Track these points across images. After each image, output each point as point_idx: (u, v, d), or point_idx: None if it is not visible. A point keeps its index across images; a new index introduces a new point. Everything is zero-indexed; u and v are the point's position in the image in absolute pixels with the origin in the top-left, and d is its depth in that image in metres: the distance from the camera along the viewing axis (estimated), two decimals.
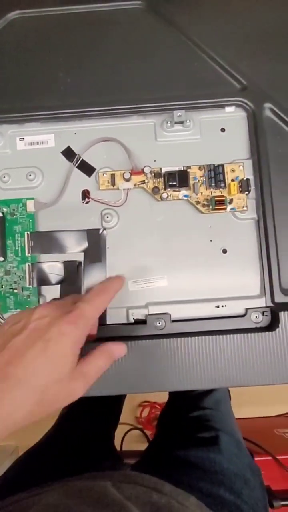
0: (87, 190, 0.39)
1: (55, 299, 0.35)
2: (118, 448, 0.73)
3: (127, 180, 0.37)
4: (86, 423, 0.63)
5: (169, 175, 0.37)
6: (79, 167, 0.39)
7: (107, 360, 0.30)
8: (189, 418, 0.56)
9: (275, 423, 0.93)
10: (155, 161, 0.39)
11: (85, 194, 0.39)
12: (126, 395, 0.78)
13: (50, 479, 0.37)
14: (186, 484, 0.42)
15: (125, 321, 0.38)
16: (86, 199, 0.38)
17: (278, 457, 0.81)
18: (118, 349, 0.31)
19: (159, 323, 0.37)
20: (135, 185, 0.38)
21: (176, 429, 0.56)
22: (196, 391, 0.62)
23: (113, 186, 0.38)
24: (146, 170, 0.37)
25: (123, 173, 0.37)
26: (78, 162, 0.39)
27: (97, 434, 0.62)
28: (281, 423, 0.93)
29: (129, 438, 0.97)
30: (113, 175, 0.38)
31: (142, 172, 0.37)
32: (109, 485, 0.32)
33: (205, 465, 0.46)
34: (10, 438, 1.01)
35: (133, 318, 0.37)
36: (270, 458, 0.81)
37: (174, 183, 0.37)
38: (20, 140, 0.40)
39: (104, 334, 0.37)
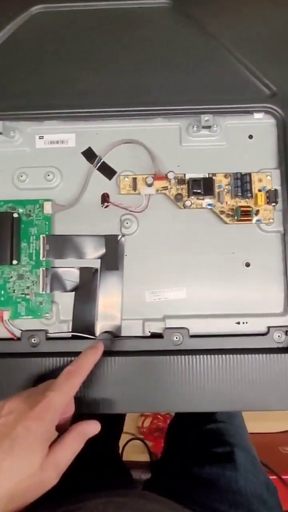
0: (106, 193, 0.37)
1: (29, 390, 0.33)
2: None
3: (150, 185, 0.35)
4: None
5: (194, 182, 0.35)
6: (99, 169, 0.37)
7: (80, 442, 0.29)
8: (203, 431, 0.54)
9: (280, 440, 0.90)
10: (178, 166, 0.37)
11: (105, 198, 0.37)
12: None
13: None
14: (202, 504, 0.41)
15: (140, 334, 0.36)
16: (106, 203, 0.37)
17: (283, 477, 0.79)
18: (91, 428, 0.30)
19: (177, 337, 0.35)
20: (157, 190, 0.36)
21: (189, 442, 0.54)
22: None
23: (134, 191, 0.36)
24: (170, 175, 0.35)
25: (146, 178, 0.35)
26: (98, 164, 0.37)
27: (103, 444, 0.60)
28: (286, 440, 0.90)
29: (129, 448, 0.94)
30: (134, 179, 0.36)
31: (165, 177, 0.35)
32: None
33: (221, 483, 0.44)
34: None
35: (149, 331, 0.35)
36: (275, 477, 0.78)
37: (199, 190, 0.35)
38: (39, 138, 0.38)
39: (118, 347, 0.35)
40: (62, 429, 0.30)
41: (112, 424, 0.70)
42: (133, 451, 0.98)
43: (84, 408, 0.33)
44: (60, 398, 0.28)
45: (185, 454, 0.53)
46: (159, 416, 0.96)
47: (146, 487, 0.51)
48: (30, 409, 0.27)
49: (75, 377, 0.30)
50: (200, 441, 0.55)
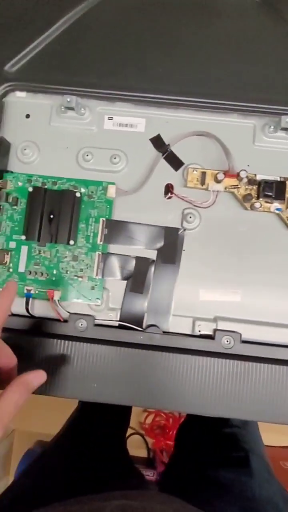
0: (171, 184, 0.36)
1: None
2: None
3: (219, 181, 0.34)
4: (99, 428, 0.60)
5: (266, 184, 0.34)
6: (166, 158, 0.36)
7: (24, 393, 0.27)
8: (219, 435, 0.53)
9: (282, 454, 0.89)
10: (248, 165, 0.36)
11: (169, 189, 0.36)
12: None
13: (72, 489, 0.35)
14: (218, 507, 0.40)
15: (189, 332, 0.35)
16: (169, 194, 0.36)
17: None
18: (36, 377, 0.28)
19: (227, 341, 0.34)
20: (225, 188, 0.35)
21: (204, 444, 0.54)
22: None
23: (202, 185, 0.35)
24: (243, 174, 0.34)
25: (217, 174, 0.34)
26: (166, 153, 0.36)
27: (111, 441, 0.59)
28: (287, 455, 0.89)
29: (129, 442, 0.94)
30: (204, 174, 0.35)
31: (236, 175, 0.34)
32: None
33: (236, 488, 0.43)
34: None
35: (199, 331, 0.34)
36: None
37: (270, 193, 0.34)
38: (108, 119, 0.37)
39: (165, 343, 0.34)
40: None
41: (123, 419, 0.69)
42: (131, 446, 0.97)
43: (124, 399, 0.33)
44: None
45: (199, 456, 0.53)
46: (161, 414, 0.95)
47: (161, 488, 0.50)
48: None
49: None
50: (215, 445, 0.54)
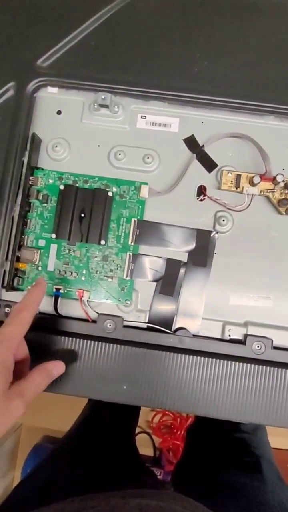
0: (204, 186, 0.35)
1: None
2: None
3: (255, 184, 0.34)
4: (112, 425, 0.60)
5: None
6: (200, 159, 0.36)
7: (45, 378, 0.30)
8: (230, 439, 0.53)
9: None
10: (283, 169, 0.35)
11: (202, 191, 0.35)
12: None
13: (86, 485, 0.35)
14: (231, 510, 0.40)
15: (219, 336, 0.34)
16: (202, 196, 0.35)
17: None
18: (56, 367, 0.31)
19: (258, 346, 0.33)
20: (260, 192, 0.34)
21: (216, 447, 0.53)
22: None
23: (236, 188, 0.34)
24: (279, 178, 0.33)
25: (253, 177, 0.33)
26: (200, 154, 0.35)
27: (122, 439, 0.59)
28: None
29: (136, 441, 0.94)
30: (239, 176, 0.34)
31: (273, 179, 0.33)
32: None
33: (249, 493, 0.44)
34: None
35: (229, 335, 0.34)
36: None
37: None
38: (141, 117, 0.36)
39: (195, 346, 0.33)
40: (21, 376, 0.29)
41: (132, 417, 0.69)
42: (138, 444, 0.97)
43: (155, 402, 0.32)
44: (12, 329, 0.29)
45: (211, 458, 0.53)
46: (169, 414, 0.95)
47: (175, 489, 0.50)
48: None
49: (24, 311, 0.30)
50: (226, 448, 0.54)
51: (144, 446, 0.97)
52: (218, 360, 0.33)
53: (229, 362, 0.33)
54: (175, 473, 0.56)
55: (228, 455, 0.51)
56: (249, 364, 0.33)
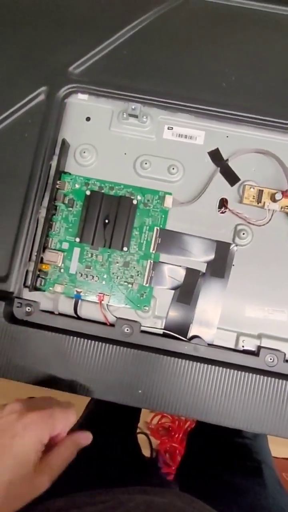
0: (226, 199, 0.36)
1: (30, 398, 0.34)
2: None
3: (276, 200, 0.35)
4: (116, 423, 0.61)
5: None
6: (223, 173, 0.36)
7: (73, 452, 0.31)
8: (234, 444, 0.54)
9: (285, 466, 0.90)
10: None
11: (223, 203, 0.36)
12: None
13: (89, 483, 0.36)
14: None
15: (232, 347, 0.35)
16: (223, 209, 0.36)
17: None
18: (84, 438, 0.32)
19: (271, 359, 0.34)
20: (281, 208, 0.35)
21: (218, 450, 0.54)
22: None
23: (258, 203, 0.35)
24: None
25: (274, 193, 0.34)
26: (223, 168, 0.36)
27: (125, 437, 0.60)
28: None
29: None
30: (261, 192, 0.35)
31: None
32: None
33: (251, 497, 0.45)
34: None
35: (243, 346, 0.35)
36: None
37: None
38: (168, 128, 0.37)
39: (208, 355, 0.34)
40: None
41: (134, 415, 0.70)
42: None
43: (166, 407, 0.33)
44: (62, 415, 0.30)
45: (213, 461, 0.54)
46: (168, 416, 0.96)
47: (180, 488, 0.51)
48: (31, 411, 0.29)
49: (74, 412, 0.31)
50: (229, 452, 0.55)
51: (141, 447, 0.98)
52: (231, 370, 0.34)
53: (242, 372, 0.33)
54: (177, 474, 0.57)
55: (230, 459, 0.52)
56: (261, 376, 0.33)
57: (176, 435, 0.94)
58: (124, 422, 0.64)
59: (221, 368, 0.34)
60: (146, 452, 1.02)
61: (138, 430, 0.96)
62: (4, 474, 0.26)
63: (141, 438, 1.02)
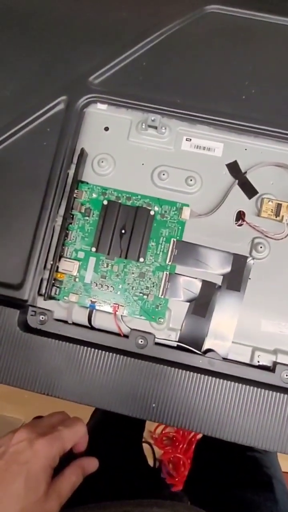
0: (243, 212, 0.36)
1: (37, 417, 0.35)
2: None
3: None
4: (122, 432, 0.60)
5: None
6: (241, 185, 0.36)
7: (80, 477, 0.31)
8: (244, 457, 0.53)
9: None
10: None
11: (241, 216, 0.36)
12: None
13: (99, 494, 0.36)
14: None
15: (247, 361, 0.35)
16: (240, 221, 0.36)
17: None
18: (90, 464, 0.32)
19: (287, 375, 0.34)
20: None
21: (228, 464, 0.54)
22: None
23: (276, 217, 0.35)
24: None
25: None
26: (242, 180, 0.36)
27: (131, 447, 0.59)
28: None
29: None
30: (279, 205, 0.35)
31: None
32: None
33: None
34: (17, 412, 1.00)
35: (258, 361, 0.34)
36: None
37: None
38: (186, 140, 0.37)
39: (223, 369, 0.34)
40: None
41: (140, 425, 0.69)
42: None
43: (180, 423, 0.33)
44: (70, 434, 0.31)
45: (224, 474, 0.53)
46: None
47: (190, 501, 0.51)
48: (40, 437, 0.29)
49: (83, 425, 0.32)
50: (239, 466, 0.54)
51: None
52: (246, 385, 0.33)
53: (257, 388, 0.33)
54: (186, 487, 0.56)
55: (241, 473, 0.51)
56: (277, 393, 0.33)
57: (180, 446, 0.93)
58: (130, 431, 0.63)
59: (236, 383, 0.33)
60: (149, 462, 1.01)
61: (142, 438, 0.95)
62: (17, 502, 0.27)
63: (144, 448, 1.01)
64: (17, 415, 1.01)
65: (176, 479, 0.90)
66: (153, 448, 0.96)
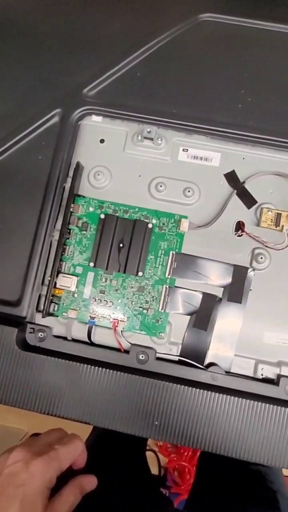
0: (242, 222, 0.35)
1: (34, 434, 0.34)
2: None
3: None
4: (125, 443, 0.59)
5: None
6: (239, 195, 0.36)
7: (78, 496, 0.30)
8: (248, 471, 0.53)
9: None
10: None
11: (240, 226, 0.35)
12: None
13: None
14: None
15: (251, 374, 0.34)
16: (240, 232, 0.35)
17: None
18: (89, 482, 0.31)
19: None
20: None
21: (231, 478, 0.53)
22: None
23: (276, 227, 0.34)
24: None
25: None
26: (240, 190, 0.36)
27: (135, 459, 0.58)
28: None
29: None
30: (279, 215, 0.34)
31: None
32: None
33: None
34: (20, 423, 0.99)
35: (262, 374, 0.34)
36: None
37: None
38: (183, 150, 0.37)
39: (225, 383, 0.33)
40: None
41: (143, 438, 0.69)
42: None
43: (183, 440, 0.32)
44: (66, 454, 0.29)
45: (228, 489, 0.52)
46: None
47: None
48: (36, 456, 0.28)
49: (81, 442, 0.31)
50: (243, 480, 0.53)
51: (149, 464, 0.96)
52: (250, 400, 0.32)
53: (261, 403, 0.32)
54: (190, 501, 0.55)
55: (245, 488, 0.51)
56: (281, 407, 0.32)
57: (186, 453, 0.92)
58: (133, 442, 0.62)
59: (239, 398, 0.32)
60: (154, 470, 1.00)
61: (148, 447, 0.95)
62: None
63: (149, 455, 1.00)
64: (20, 426, 1.00)
65: (182, 487, 0.89)
66: (158, 456, 0.95)
